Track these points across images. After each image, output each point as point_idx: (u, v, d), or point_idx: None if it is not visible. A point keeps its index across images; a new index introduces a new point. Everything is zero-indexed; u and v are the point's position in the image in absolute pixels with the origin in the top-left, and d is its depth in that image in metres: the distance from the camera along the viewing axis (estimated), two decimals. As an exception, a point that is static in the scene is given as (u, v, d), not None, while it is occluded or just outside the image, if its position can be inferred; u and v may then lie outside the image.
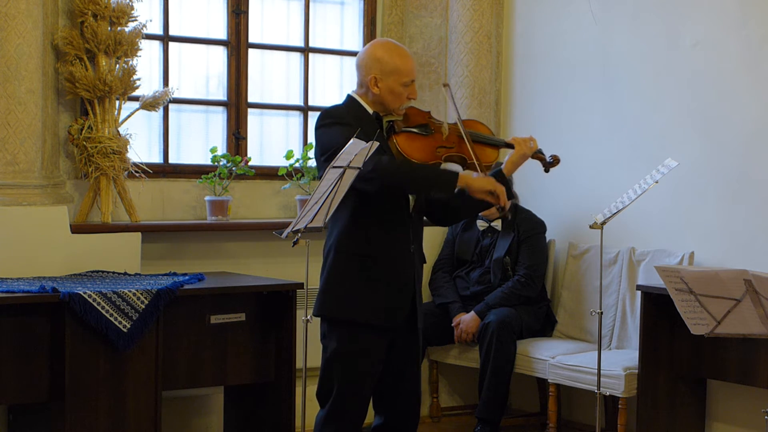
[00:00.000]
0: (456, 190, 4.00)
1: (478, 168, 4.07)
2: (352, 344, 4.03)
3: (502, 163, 4.19)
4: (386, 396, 4.17)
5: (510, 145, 4.19)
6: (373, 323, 4.03)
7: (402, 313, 4.09)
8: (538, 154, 4.24)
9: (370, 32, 6.54)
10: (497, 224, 6.09)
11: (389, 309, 4.06)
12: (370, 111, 4.10)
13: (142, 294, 4.76)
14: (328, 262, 4.08)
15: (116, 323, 4.69)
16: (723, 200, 5.58)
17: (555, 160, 4.26)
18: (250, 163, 5.93)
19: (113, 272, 5.31)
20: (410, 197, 4.10)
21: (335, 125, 4.00)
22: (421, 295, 4.21)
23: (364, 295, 4.02)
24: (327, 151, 3.97)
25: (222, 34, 6.11)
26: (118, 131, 5.49)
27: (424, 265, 4.31)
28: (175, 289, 4.87)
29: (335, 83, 6.54)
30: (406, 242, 4.09)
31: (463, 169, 4.14)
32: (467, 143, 4.06)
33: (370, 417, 4.28)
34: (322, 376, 4.10)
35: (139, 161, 5.64)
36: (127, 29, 5.49)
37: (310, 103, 6.38)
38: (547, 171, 4.30)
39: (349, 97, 4.15)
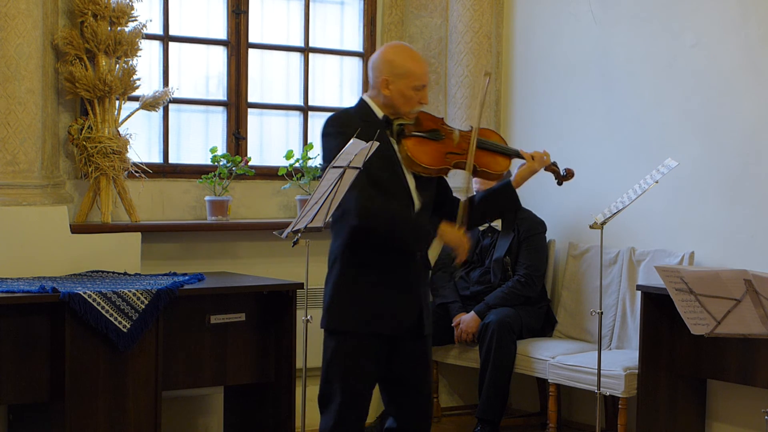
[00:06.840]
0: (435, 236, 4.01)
1: (488, 176, 4.13)
2: (348, 350, 4.00)
3: (511, 174, 4.23)
4: (396, 400, 4.15)
5: (521, 156, 4.18)
6: (374, 332, 3.99)
7: (406, 320, 4.05)
8: (551, 167, 4.23)
9: (370, 32, 6.54)
10: (497, 224, 6.10)
11: (391, 317, 4.02)
12: (380, 115, 4.05)
13: (142, 294, 4.76)
14: (333, 273, 4.05)
15: (116, 323, 4.69)
16: (723, 200, 5.58)
17: (569, 174, 4.25)
18: (250, 163, 5.92)
19: (113, 272, 5.31)
20: (415, 200, 4.05)
21: (338, 135, 3.95)
22: (428, 302, 4.16)
23: (363, 305, 3.97)
24: (327, 161, 3.97)
25: (222, 34, 6.11)
26: (118, 131, 5.49)
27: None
28: (175, 289, 4.87)
29: (335, 83, 6.54)
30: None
31: (473, 177, 4.14)
32: (471, 151, 4.04)
33: (370, 417, 4.29)
34: (321, 380, 4.07)
35: (139, 161, 5.64)
36: (127, 29, 5.49)
37: (310, 103, 6.38)
38: (560, 184, 4.30)
39: (361, 100, 4.12)
